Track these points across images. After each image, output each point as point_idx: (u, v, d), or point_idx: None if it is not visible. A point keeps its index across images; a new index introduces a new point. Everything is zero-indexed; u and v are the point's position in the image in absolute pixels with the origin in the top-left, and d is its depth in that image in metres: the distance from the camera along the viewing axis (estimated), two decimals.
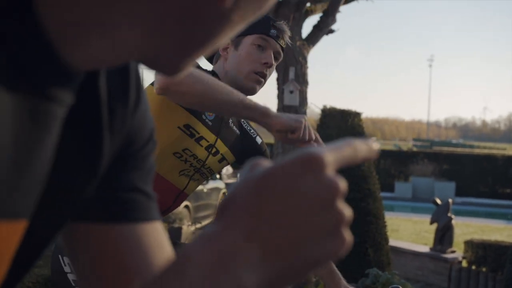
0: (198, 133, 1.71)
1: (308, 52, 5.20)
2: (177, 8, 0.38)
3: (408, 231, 10.39)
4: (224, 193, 11.38)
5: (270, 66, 1.75)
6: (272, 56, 1.75)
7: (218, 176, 11.64)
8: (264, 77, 1.76)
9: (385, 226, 5.38)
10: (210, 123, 1.74)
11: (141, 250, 0.56)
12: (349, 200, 5.11)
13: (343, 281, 1.87)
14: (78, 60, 0.40)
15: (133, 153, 0.56)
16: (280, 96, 5.10)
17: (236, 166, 2.01)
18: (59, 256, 1.65)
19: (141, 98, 0.55)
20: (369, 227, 5.12)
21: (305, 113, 5.15)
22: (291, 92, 4.94)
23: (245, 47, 1.76)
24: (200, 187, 9.62)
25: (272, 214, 0.38)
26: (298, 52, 5.05)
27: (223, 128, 1.79)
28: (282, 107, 5.08)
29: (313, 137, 1.54)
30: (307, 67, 5.16)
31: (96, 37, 0.39)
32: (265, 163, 0.40)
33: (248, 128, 1.92)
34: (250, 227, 0.38)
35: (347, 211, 0.42)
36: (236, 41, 1.79)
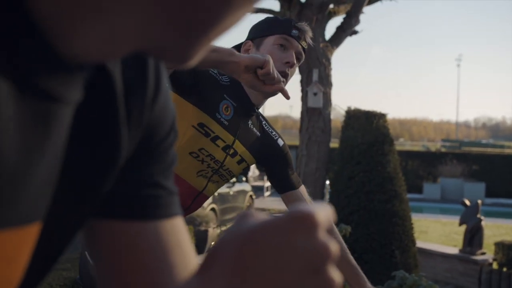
0: (213, 132, 1.70)
1: (331, 53, 5.18)
2: None
3: (437, 232, 10.25)
4: (250, 196, 11.39)
5: (292, 65, 1.75)
6: (294, 56, 1.75)
7: (244, 178, 11.65)
8: (286, 76, 1.75)
9: (412, 228, 5.31)
10: (226, 123, 1.73)
11: (160, 249, 0.55)
12: (374, 201, 5.07)
13: (368, 284, 1.85)
14: (77, 53, 0.39)
15: (153, 146, 0.55)
16: (304, 98, 5.09)
17: (262, 168, 2.00)
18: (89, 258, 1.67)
19: (160, 90, 0.54)
20: (395, 229, 5.06)
21: (329, 114, 5.13)
22: (315, 94, 4.92)
23: (267, 47, 1.76)
24: (226, 190, 9.63)
25: (257, 272, 0.35)
26: (322, 54, 5.03)
27: (241, 129, 1.78)
28: (306, 109, 5.07)
29: (281, 79, 1.50)
30: (330, 69, 5.13)
31: (93, 26, 0.37)
32: (257, 216, 0.38)
33: (270, 130, 1.91)
34: (231, 286, 0.36)
35: (337, 277, 0.38)
36: (258, 42, 1.79)
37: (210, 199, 8.84)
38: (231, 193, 9.90)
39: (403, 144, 46.56)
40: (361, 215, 5.06)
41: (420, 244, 7.45)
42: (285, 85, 1.78)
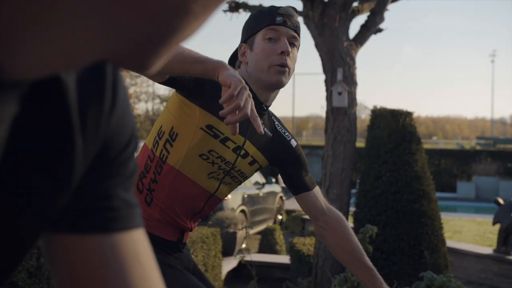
0: (223, 134, 1.69)
1: (356, 52, 5.12)
2: (126, 4, 0.36)
3: (471, 232, 10.05)
4: (280, 197, 11.37)
5: (288, 53, 1.72)
6: (287, 43, 1.72)
7: (274, 180, 11.63)
8: (286, 66, 1.72)
9: (441, 228, 5.21)
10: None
11: (116, 263, 0.54)
12: (402, 201, 5.00)
13: (385, 285, 1.82)
14: (18, 69, 0.38)
15: (110, 159, 0.55)
16: (329, 98, 5.04)
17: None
18: None
19: (117, 101, 0.53)
20: (424, 229, 4.97)
21: (355, 114, 5.08)
22: (340, 93, 4.87)
23: (258, 45, 1.75)
24: (256, 191, 9.64)
25: None
26: (346, 53, 4.98)
27: (252, 129, 1.76)
28: (331, 109, 5.02)
29: (242, 106, 1.38)
30: (355, 68, 5.07)
31: (35, 43, 0.37)
32: None
33: (283, 130, 1.89)
34: None
35: None
36: (250, 43, 1.78)
37: (239, 201, 8.89)
38: (261, 194, 9.89)
39: (436, 143, 45.88)
40: (388, 215, 4.99)
41: (453, 244, 7.31)
42: (288, 74, 1.75)
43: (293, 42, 1.76)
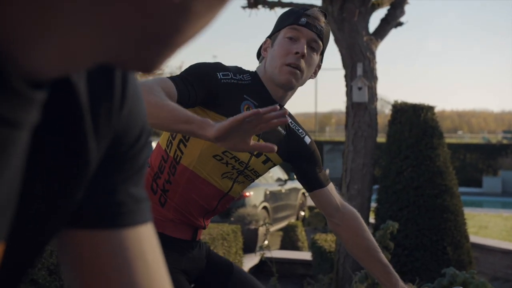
0: None
1: (376, 46, 5.07)
2: (125, 5, 0.36)
3: (498, 227, 9.90)
4: (303, 193, 11.34)
5: (302, 55, 1.69)
6: (305, 45, 1.70)
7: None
8: (299, 67, 1.70)
9: (464, 223, 5.13)
10: None
11: (121, 258, 0.55)
12: (424, 197, 4.94)
13: (401, 282, 1.80)
14: (32, 72, 0.39)
15: (120, 154, 0.55)
16: (349, 94, 5.00)
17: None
18: None
19: (126, 96, 0.54)
20: (447, 225, 4.91)
21: (375, 109, 5.03)
22: (360, 88, 4.83)
23: (278, 41, 1.74)
24: (278, 188, 9.63)
25: None
26: (366, 47, 4.93)
27: None
28: (351, 104, 4.98)
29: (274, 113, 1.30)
30: (375, 62, 5.02)
31: (45, 46, 0.37)
32: None
33: (296, 128, 1.88)
34: None
35: None
36: (274, 38, 1.78)
37: (261, 198, 8.89)
38: (283, 191, 9.88)
39: (462, 137, 45.30)
40: (410, 211, 4.94)
41: (479, 240, 7.21)
42: (301, 78, 1.74)
43: (313, 46, 1.74)
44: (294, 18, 1.72)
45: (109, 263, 0.55)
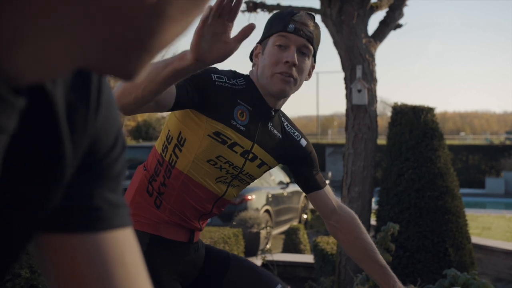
0: (230, 139, 1.69)
1: (375, 49, 5.07)
2: (100, 9, 0.37)
3: (501, 228, 9.87)
4: (305, 196, 11.31)
5: (293, 64, 1.68)
6: (295, 53, 1.69)
7: None
8: (291, 76, 1.69)
9: (466, 225, 5.12)
10: (242, 128, 1.71)
11: (98, 262, 0.55)
12: (425, 198, 4.93)
13: (399, 284, 1.80)
14: (9, 79, 0.39)
15: (96, 160, 0.56)
16: (349, 96, 5.01)
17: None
18: None
19: (101, 102, 0.54)
20: (448, 226, 4.90)
21: (375, 111, 5.03)
22: (359, 91, 4.83)
23: (268, 50, 1.73)
24: (280, 191, 9.62)
25: None
26: (365, 49, 4.94)
27: (260, 132, 1.76)
28: (351, 106, 4.99)
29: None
30: (374, 65, 5.03)
31: (22, 52, 0.38)
32: None
33: (292, 130, 1.88)
34: None
35: None
36: (263, 45, 1.77)
37: (263, 201, 8.88)
38: (285, 194, 9.87)
39: (464, 138, 45.20)
40: (411, 212, 4.93)
41: (481, 241, 7.18)
42: (295, 85, 1.73)
43: (304, 51, 1.72)
44: (282, 25, 1.70)
45: (86, 268, 0.55)
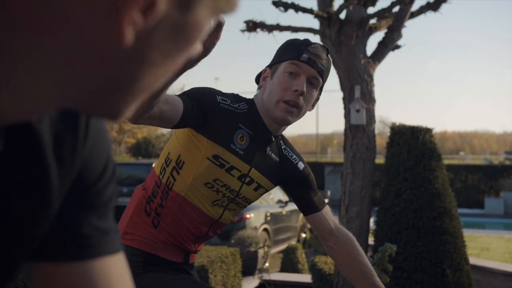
0: (228, 163, 1.70)
1: (374, 69, 5.11)
2: (81, 53, 0.37)
3: (500, 249, 9.83)
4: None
5: (301, 93, 1.69)
6: (304, 82, 1.70)
7: None
8: (296, 105, 1.70)
9: (464, 246, 5.11)
10: (241, 152, 1.72)
11: None
12: (423, 219, 4.92)
13: None
14: None
15: (84, 188, 0.56)
16: (347, 116, 5.03)
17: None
18: None
19: (89, 130, 0.55)
20: (446, 247, 4.88)
21: (373, 131, 5.04)
22: (358, 111, 4.85)
23: (278, 75, 1.73)
24: (279, 210, 9.60)
25: None
26: (363, 70, 4.97)
27: (257, 156, 1.77)
28: (349, 126, 5.01)
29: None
30: (373, 85, 5.06)
31: (2, 92, 0.38)
32: None
33: (290, 154, 1.88)
34: None
35: None
36: (274, 69, 1.76)
37: (262, 219, 8.86)
38: (284, 213, 9.85)
39: (463, 158, 45.21)
40: (409, 233, 4.92)
41: (480, 262, 7.15)
42: (298, 115, 1.72)
43: (313, 82, 1.73)
44: (296, 53, 1.71)
45: None
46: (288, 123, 1.75)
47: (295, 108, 1.71)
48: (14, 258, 0.51)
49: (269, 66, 1.80)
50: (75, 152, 0.53)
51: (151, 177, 1.81)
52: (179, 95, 1.58)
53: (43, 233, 0.53)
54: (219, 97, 1.68)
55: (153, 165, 1.87)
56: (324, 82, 1.79)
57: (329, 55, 1.79)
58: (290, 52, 1.73)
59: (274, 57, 1.81)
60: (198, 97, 1.59)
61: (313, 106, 1.83)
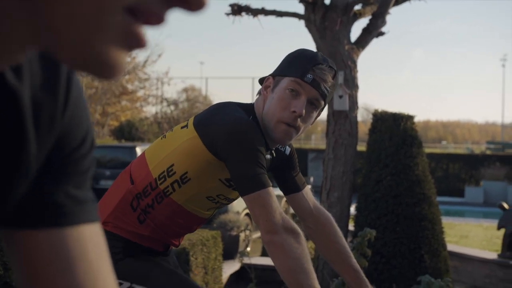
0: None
1: (357, 55, 5.12)
2: None
3: (478, 237, 9.99)
4: (286, 201, 11.28)
5: (300, 115, 1.63)
6: (304, 103, 1.63)
7: None
8: (294, 126, 1.65)
9: (442, 232, 5.19)
10: None
11: (62, 257, 0.56)
12: (402, 205, 4.98)
13: None
14: None
15: (63, 156, 0.56)
16: (330, 102, 5.04)
17: None
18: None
19: (70, 98, 0.54)
20: (424, 233, 4.95)
21: (355, 117, 5.07)
22: (340, 96, 4.87)
23: (279, 91, 1.67)
24: None
25: None
26: (347, 56, 4.98)
27: None
28: (332, 112, 5.02)
29: None
30: (356, 71, 5.07)
31: None
32: None
33: (279, 146, 1.87)
34: None
35: None
36: (277, 80, 1.70)
37: (244, 204, 8.84)
38: None
39: (446, 147, 45.64)
40: (389, 219, 4.98)
41: (458, 249, 7.27)
42: (295, 134, 1.69)
43: (314, 103, 1.67)
44: (301, 72, 1.63)
45: (51, 264, 0.55)
46: (285, 144, 1.77)
47: (293, 128, 1.67)
48: None
49: (273, 75, 1.73)
50: (53, 119, 0.53)
51: (145, 175, 1.70)
52: (257, 172, 1.56)
53: (16, 198, 0.52)
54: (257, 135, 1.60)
55: (143, 153, 1.75)
56: (326, 104, 1.72)
57: (335, 78, 1.72)
58: (295, 68, 1.66)
59: (279, 66, 1.74)
60: (261, 155, 1.58)
61: (312, 123, 1.78)
